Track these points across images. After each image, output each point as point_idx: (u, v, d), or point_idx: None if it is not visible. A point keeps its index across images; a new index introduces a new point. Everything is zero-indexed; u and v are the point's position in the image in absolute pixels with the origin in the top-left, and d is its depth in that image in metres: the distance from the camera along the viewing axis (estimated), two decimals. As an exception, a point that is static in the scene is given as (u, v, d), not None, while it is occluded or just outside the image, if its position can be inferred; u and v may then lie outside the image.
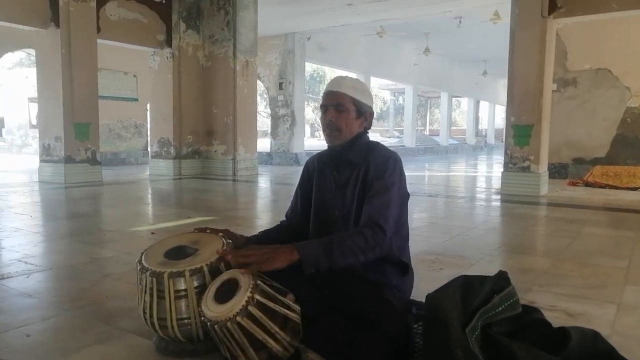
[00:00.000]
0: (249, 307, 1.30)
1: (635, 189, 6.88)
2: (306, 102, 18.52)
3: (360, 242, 1.48)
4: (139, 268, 1.50)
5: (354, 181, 1.67)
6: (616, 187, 7.08)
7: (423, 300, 1.32)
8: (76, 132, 7.26)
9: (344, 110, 1.64)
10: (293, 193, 1.93)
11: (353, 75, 15.61)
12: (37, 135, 7.86)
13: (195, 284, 1.44)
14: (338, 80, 1.70)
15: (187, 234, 1.68)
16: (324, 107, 1.67)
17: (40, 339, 1.70)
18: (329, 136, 1.67)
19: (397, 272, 1.65)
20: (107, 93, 11.32)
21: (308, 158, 1.95)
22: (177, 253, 1.55)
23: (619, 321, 1.91)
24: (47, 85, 7.36)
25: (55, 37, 7.08)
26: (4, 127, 19.92)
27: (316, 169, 1.80)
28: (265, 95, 15.53)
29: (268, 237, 1.78)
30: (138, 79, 12.29)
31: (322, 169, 1.78)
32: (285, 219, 1.91)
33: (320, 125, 1.73)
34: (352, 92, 1.65)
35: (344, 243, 1.46)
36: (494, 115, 27.09)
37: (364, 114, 1.69)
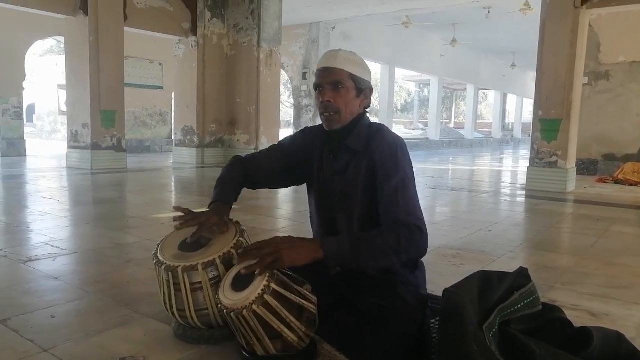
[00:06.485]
0: (265, 296, 1.30)
1: (667, 187, 6.64)
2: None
3: (392, 241, 1.31)
4: (155, 262, 1.52)
5: (354, 169, 1.51)
6: (647, 185, 6.85)
7: (441, 295, 1.30)
8: (102, 120, 7.42)
9: (343, 88, 1.45)
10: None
11: (378, 66, 15.60)
12: (66, 121, 8.05)
13: (210, 276, 1.45)
14: (332, 54, 1.48)
15: None
16: (319, 86, 1.47)
17: (64, 320, 1.75)
18: (327, 120, 1.49)
19: (407, 269, 1.56)
20: (133, 81, 11.50)
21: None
22: (192, 243, 1.56)
23: (645, 323, 1.85)
24: (75, 72, 7.53)
25: (83, 25, 7.23)
26: (34, 113, 20.49)
27: (317, 149, 1.62)
28: (288, 85, 15.51)
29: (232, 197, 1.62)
30: (163, 67, 12.44)
31: (321, 150, 1.61)
32: (242, 156, 1.71)
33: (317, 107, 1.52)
34: (350, 66, 1.45)
35: (374, 242, 1.30)
36: (522, 108, 26.46)
37: (364, 91, 1.50)
